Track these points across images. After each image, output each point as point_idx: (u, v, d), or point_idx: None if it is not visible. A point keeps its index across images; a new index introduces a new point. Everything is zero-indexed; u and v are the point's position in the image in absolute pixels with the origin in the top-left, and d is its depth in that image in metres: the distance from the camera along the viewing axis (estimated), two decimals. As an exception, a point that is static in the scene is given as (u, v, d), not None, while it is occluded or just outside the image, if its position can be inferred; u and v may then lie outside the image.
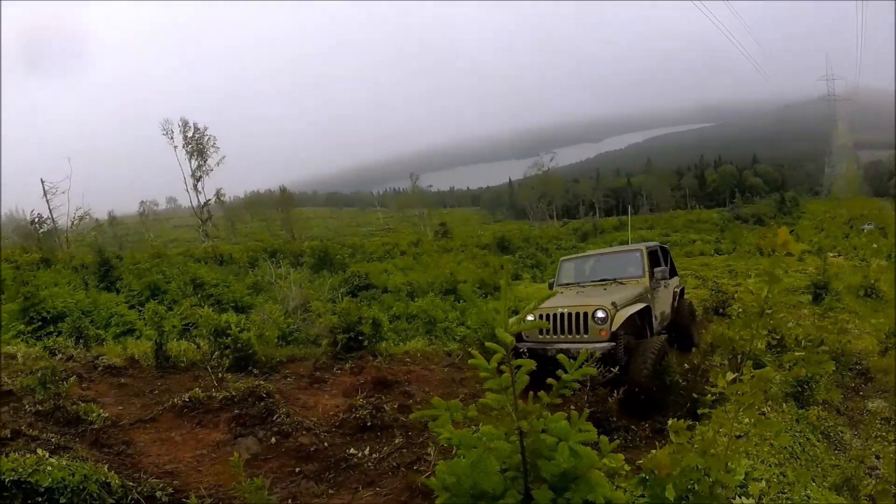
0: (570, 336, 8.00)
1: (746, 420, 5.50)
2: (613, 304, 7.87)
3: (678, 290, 11.69)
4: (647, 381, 7.23)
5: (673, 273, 11.69)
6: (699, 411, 5.45)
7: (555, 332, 8.11)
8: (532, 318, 7.58)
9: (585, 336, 7.83)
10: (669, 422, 3.56)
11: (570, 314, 8.01)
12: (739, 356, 7.34)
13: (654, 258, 10.25)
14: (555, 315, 8.09)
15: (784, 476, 4.67)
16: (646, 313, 8.73)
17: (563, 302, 8.26)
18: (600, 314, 7.74)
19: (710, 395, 6.08)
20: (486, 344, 2.62)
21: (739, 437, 5.21)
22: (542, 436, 2.61)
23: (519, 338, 8.18)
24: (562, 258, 11.33)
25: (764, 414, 5.94)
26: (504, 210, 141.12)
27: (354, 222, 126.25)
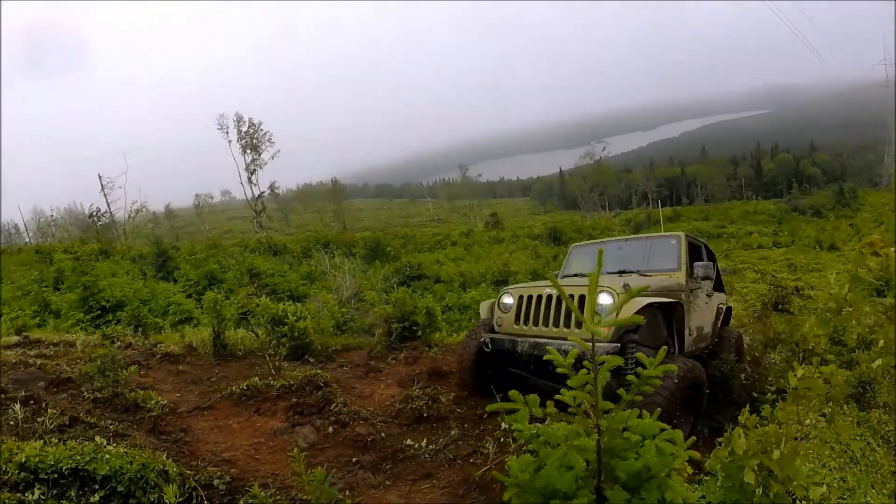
0: (555, 329, 5.96)
1: (808, 421, 5.16)
2: (626, 286, 5.54)
3: (724, 307, 8.81)
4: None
5: (719, 287, 8.96)
6: (762, 412, 5.12)
7: (535, 323, 6.20)
8: (510, 301, 6.62)
9: (577, 331, 5.71)
10: (742, 415, 3.48)
11: (558, 297, 6.02)
12: (801, 353, 6.90)
13: (696, 252, 7.91)
14: (539, 298, 6.24)
15: (844, 481, 4.46)
16: (673, 315, 6.48)
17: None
18: (604, 299, 5.47)
19: (770, 394, 5.70)
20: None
21: (801, 439, 4.86)
22: (625, 434, 2.53)
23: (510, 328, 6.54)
24: (574, 244, 9.06)
25: (825, 415, 5.53)
26: (555, 200, 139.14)
27: (404, 213, 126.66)
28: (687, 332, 6.71)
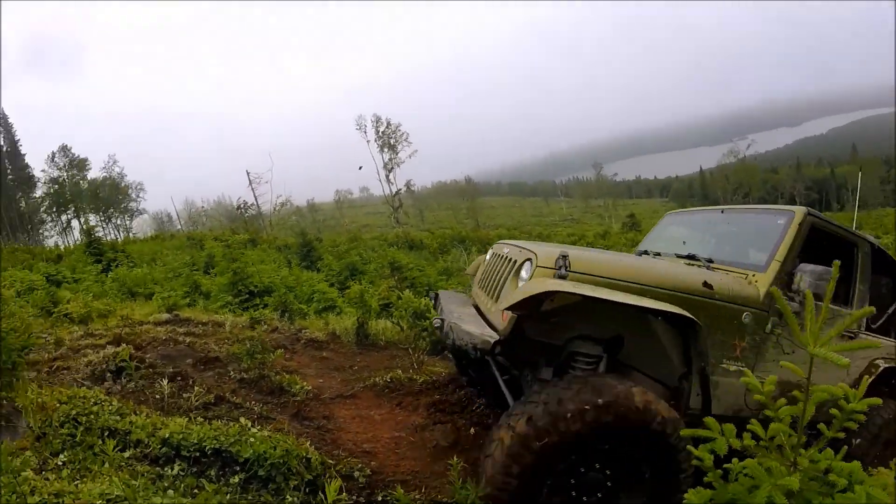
0: (488, 303, 4.46)
1: None
2: (562, 258, 3.60)
3: (882, 365, 4.79)
4: None
5: (883, 326, 5.40)
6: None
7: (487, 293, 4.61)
8: (487, 258, 5.07)
9: (493, 309, 4.22)
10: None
11: (505, 260, 4.39)
12: None
13: (841, 255, 4.16)
14: (495, 259, 4.72)
15: None
16: (695, 340, 3.73)
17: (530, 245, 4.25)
18: (526, 270, 3.88)
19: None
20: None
21: None
22: (829, 476, 2.30)
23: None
24: (669, 212, 6.57)
25: None
26: (695, 201, 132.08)
27: (537, 212, 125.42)
28: (725, 381, 3.91)
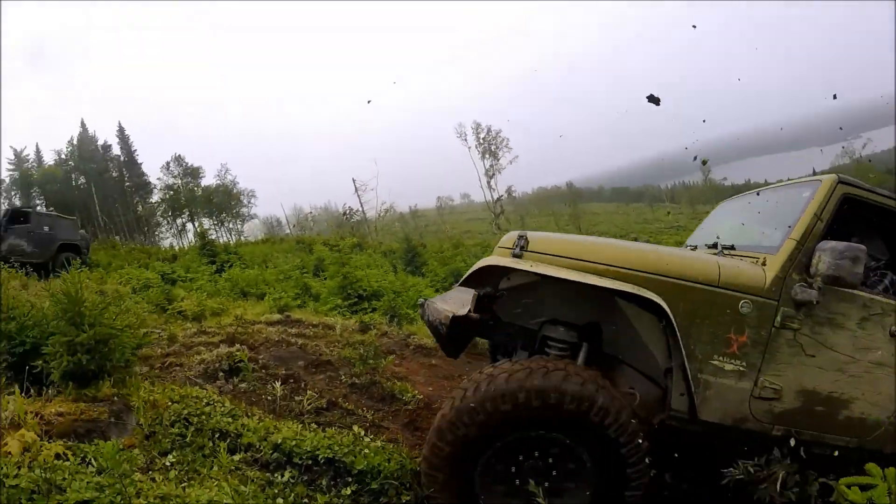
0: None
1: None
2: (521, 237, 3.49)
3: None
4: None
5: None
6: None
7: None
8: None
9: None
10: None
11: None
12: None
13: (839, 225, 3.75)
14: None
15: None
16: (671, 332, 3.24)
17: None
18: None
19: None
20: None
21: None
22: None
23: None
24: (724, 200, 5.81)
25: None
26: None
27: (641, 218, 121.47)
28: (718, 382, 3.25)
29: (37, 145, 63.25)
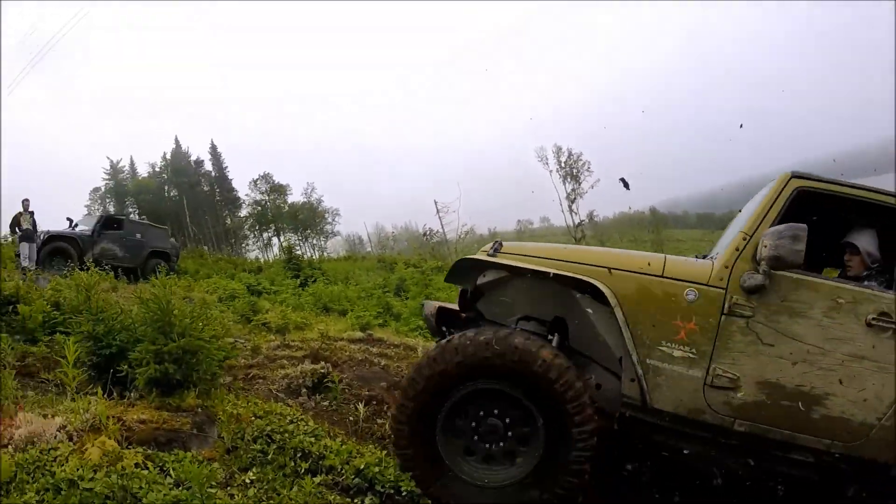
0: None
1: None
2: (497, 242, 3.81)
3: None
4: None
5: None
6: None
7: None
8: None
9: None
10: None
11: None
12: None
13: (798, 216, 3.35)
14: None
15: None
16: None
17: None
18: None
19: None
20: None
21: None
22: None
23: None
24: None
25: None
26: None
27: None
28: (668, 368, 3.30)
29: (131, 157, 66.78)
